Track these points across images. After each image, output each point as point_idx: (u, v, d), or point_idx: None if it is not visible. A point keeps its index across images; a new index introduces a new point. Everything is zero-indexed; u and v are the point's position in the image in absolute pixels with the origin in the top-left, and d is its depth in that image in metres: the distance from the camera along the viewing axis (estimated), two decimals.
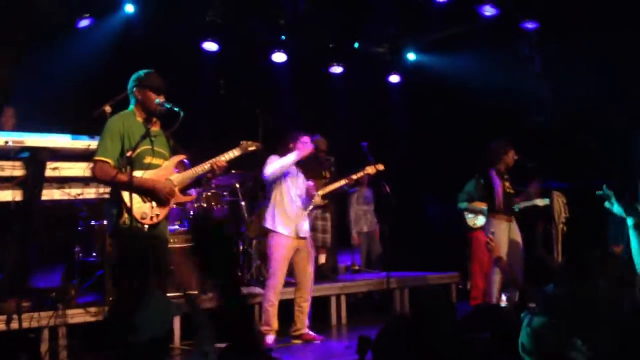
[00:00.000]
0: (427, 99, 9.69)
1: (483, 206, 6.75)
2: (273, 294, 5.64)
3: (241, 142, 4.68)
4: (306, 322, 5.82)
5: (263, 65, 8.84)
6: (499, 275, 6.34)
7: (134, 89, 4.29)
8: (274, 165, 5.68)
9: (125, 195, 4.02)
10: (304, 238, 5.80)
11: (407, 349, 3.03)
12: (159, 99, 4.25)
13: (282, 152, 5.73)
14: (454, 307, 5.64)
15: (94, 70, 7.05)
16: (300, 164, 5.80)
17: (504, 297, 6.39)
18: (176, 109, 4.22)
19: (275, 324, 5.64)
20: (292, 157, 5.66)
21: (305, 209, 5.83)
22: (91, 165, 4.17)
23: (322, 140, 6.71)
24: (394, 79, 9.94)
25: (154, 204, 4.14)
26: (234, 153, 4.58)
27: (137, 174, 4.08)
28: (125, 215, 4.01)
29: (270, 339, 5.59)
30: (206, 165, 4.42)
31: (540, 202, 6.79)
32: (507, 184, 6.47)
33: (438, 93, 9.40)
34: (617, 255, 4.87)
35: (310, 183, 5.86)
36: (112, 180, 4.04)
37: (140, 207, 4.08)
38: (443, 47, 9.35)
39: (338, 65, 9.31)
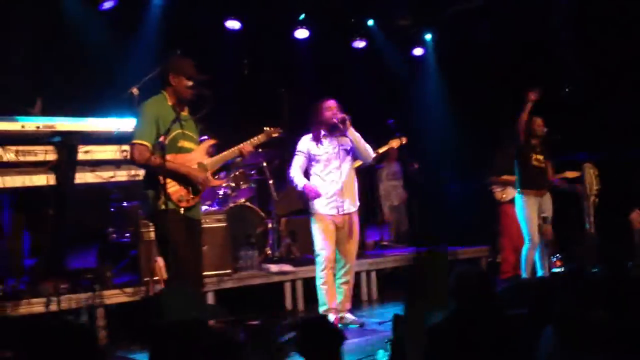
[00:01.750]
0: (451, 72, 9.58)
1: (512, 179, 6.70)
2: (322, 271, 5.41)
3: (265, 129, 4.77)
4: (347, 304, 5.61)
5: (286, 43, 8.78)
6: (533, 252, 6.31)
7: (169, 73, 4.30)
8: (291, 175, 5.50)
9: (163, 179, 4.05)
10: (346, 214, 5.49)
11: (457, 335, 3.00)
12: (190, 84, 4.26)
13: (313, 128, 5.52)
14: (493, 282, 5.62)
15: (117, 52, 7.06)
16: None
17: None
18: (207, 95, 4.23)
19: (331, 302, 5.41)
20: (298, 186, 5.45)
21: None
22: (129, 148, 4.21)
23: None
24: (418, 52, 9.86)
25: (190, 188, 4.19)
26: (259, 139, 4.67)
27: (171, 157, 4.10)
28: (163, 198, 4.04)
29: (331, 318, 5.26)
30: (235, 150, 4.50)
31: (571, 174, 6.72)
32: (538, 156, 6.40)
33: (462, 67, 9.29)
34: None
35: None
36: (151, 164, 4.08)
37: (177, 191, 4.14)
38: (466, 20, 9.22)
39: (361, 40, 9.23)
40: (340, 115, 5.37)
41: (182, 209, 4.13)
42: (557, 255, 6.39)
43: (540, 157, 6.41)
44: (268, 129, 4.75)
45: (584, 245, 6.55)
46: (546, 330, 3.13)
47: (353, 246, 5.56)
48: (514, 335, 3.06)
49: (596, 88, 7.85)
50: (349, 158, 5.54)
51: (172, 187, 4.09)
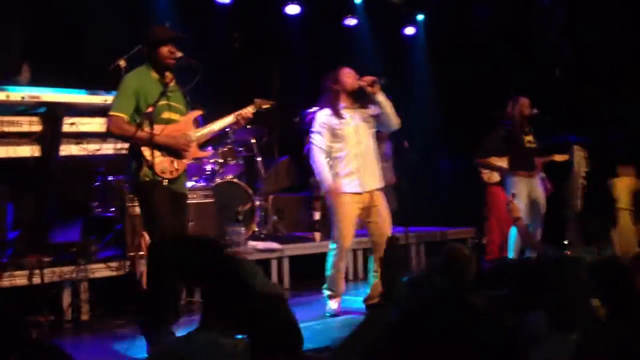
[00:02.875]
0: (443, 51, 9.53)
1: (500, 162, 6.68)
2: (335, 260, 5.06)
3: (254, 100, 4.60)
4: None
5: (277, 18, 8.68)
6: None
7: (146, 45, 4.22)
8: (317, 165, 5.03)
9: (145, 150, 4.00)
10: (373, 191, 5.09)
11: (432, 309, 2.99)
12: (169, 49, 4.15)
13: (328, 99, 5.07)
14: (476, 262, 5.60)
15: (107, 25, 6.95)
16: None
17: None
18: (195, 65, 4.16)
19: (340, 288, 5.14)
20: (320, 175, 5.04)
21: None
22: (106, 120, 4.14)
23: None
24: (410, 31, 9.80)
25: (173, 158, 4.13)
26: (249, 110, 4.52)
27: (156, 129, 4.04)
28: (145, 169, 4.00)
29: (334, 304, 5.11)
30: (228, 119, 4.42)
31: (559, 157, 6.71)
32: (528, 137, 6.38)
33: (455, 46, 9.24)
34: None
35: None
36: (129, 135, 4.01)
37: (161, 162, 4.07)
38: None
39: (353, 17, 9.15)
40: (368, 78, 4.92)
41: (166, 180, 4.06)
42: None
43: (531, 138, 6.40)
44: (258, 100, 4.60)
45: (570, 229, 6.58)
46: (535, 313, 3.13)
47: (386, 225, 5.07)
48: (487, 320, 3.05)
49: (585, 71, 7.84)
50: (371, 129, 5.12)
51: (156, 158, 4.02)
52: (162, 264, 3.85)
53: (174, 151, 4.13)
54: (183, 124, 4.26)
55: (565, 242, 6.24)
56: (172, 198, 4.10)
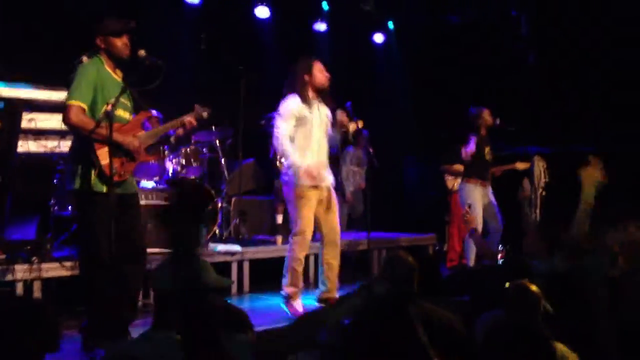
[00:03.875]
0: (413, 58, 9.60)
1: (462, 169, 6.76)
2: (300, 253, 5.02)
3: (194, 106, 4.37)
4: (337, 283, 5.13)
5: (247, 20, 8.65)
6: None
7: (97, 38, 4.06)
8: (285, 149, 4.94)
9: (100, 150, 3.83)
10: (327, 187, 5.11)
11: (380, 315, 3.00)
12: (124, 41, 4.03)
13: (297, 88, 4.99)
14: (436, 269, 5.62)
15: (66, 20, 6.84)
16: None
17: None
18: (159, 65, 4.04)
19: (300, 282, 5.11)
20: (290, 159, 4.96)
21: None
22: (64, 109, 3.88)
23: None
24: (379, 38, 9.84)
25: (124, 160, 3.98)
26: (189, 119, 4.25)
27: (105, 126, 3.81)
28: (92, 176, 3.83)
29: (295, 304, 5.05)
30: (169, 125, 4.27)
31: (521, 165, 6.80)
32: (487, 148, 6.48)
33: (425, 53, 9.31)
34: None
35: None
36: (88, 129, 3.77)
37: (109, 165, 3.81)
38: (427, 9, 9.25)
39: (322, 22, 9.16)
40: (351, 124, 5.23)
41: (114, 185, 3.83)
42: (501, 246, 6.48)
43: (489, 149, 6.51)
44: (197, 106, 4.35)
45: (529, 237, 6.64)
46: (484, 315, 3.15)
47: (335, 220, 5.11)
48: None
49: (550, 82, 7.96)
50: (327, 128, 5.14)
51: (104, 160, 3.80)
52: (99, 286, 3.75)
53: (126, 152, 3.98)
54: (132, 125, 4.12)
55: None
56: (119, 202, 3.93)
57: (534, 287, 2.98)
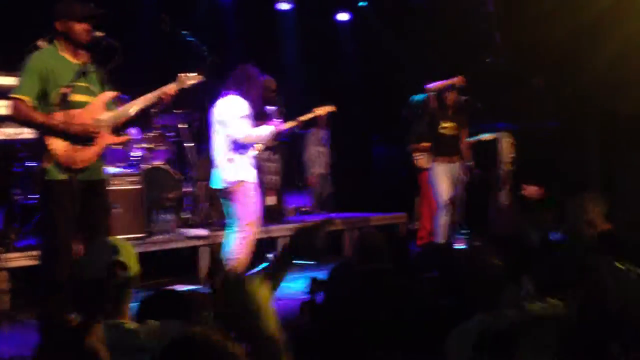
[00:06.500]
0: (376, 37, 9.56)
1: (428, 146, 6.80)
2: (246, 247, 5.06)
3: (178, 75, 4.24)
4: None
5: (209, 1, 8.52)
6: (446, 218, 6.46)
7: (55, 22, 3.89)
8: (250, 135, 5.02)
9: (50, 141, 3.72)
10: None
11: (355, 291, 3.01)
12: (85, 27, 3.86)
13: (251, 96, 5.08)
14: (406, 246, 5.65)
15: (22, 2, 6.65)
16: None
17: None
18: (115, 46, 3.92)
19: None
20: (268, 132, 5.11)
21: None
22: (9, 103, 3.79)
23: (271, 80, 6.51)
24: (343, 16, 9.80)
25: (80, 147, 3.81)
26: (171, 87, 4.15)
27: (67, 113, 3.74)
28: (49, 166, 3.72)
29: None
30: (149, 96, 4.09)
31: (487, 136, 6.86)
32: (451, 124, 6.52)
33: (388, 32, 9.28)
34: None
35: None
36: (36, 122, 3.72)
37: (67, 153, 3.75)
38: None
39: (286, 1, 9.07)
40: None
41: (74, 174, 3.73)
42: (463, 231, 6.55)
43: (451, 125, 6.53)
44: (182, 75, 4.22)
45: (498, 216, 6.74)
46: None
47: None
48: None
49: (516, 61, 7.99)
50: None
51: (62, 147, 3.71)
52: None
53: (82, 138, 3.82)
54: (93, 107, 3.93)
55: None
56: (85, 189, 3.80)
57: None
